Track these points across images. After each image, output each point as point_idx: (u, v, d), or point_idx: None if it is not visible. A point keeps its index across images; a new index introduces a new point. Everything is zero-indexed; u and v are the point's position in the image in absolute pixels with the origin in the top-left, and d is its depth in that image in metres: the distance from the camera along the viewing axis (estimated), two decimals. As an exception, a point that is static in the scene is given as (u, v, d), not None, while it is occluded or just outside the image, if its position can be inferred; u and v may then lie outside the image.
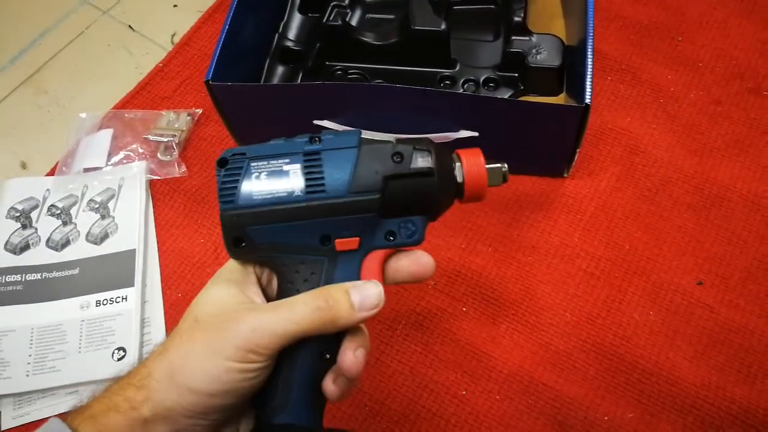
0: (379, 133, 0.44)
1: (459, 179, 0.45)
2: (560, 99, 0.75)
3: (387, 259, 0.44)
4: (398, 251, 0.45)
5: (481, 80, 0.77)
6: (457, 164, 0.45)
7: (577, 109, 0.64)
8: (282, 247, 0.42)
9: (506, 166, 0.46)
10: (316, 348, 0.41)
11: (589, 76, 0.64)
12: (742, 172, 0.73)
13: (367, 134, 0.43)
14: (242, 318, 0.38)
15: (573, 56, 0.73)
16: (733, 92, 0.79)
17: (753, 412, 0.59)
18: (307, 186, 0.41)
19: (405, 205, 0.43)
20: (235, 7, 0.71)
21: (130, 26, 0.92)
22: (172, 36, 0.90)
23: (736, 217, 0.70)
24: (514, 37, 0.76)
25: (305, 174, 0.41)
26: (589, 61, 0.65)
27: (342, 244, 0.42)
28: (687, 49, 0.83)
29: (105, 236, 0.72)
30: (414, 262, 0.45)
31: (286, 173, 0.41)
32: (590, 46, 0.66)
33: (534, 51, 0.75)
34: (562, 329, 0.65)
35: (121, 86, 0.85)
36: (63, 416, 0.39)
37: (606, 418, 0.60)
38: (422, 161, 0.43)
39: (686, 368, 0.62)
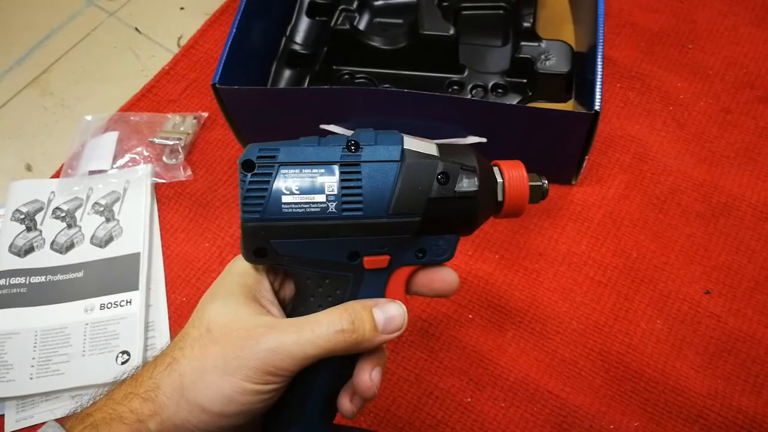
0: (419, 139, 0.41)
1: (500, 198, 0.42)
2: (569, 105, 0.74)
3: (412, 274, 0.42)
4: (425, 267, 0.42)
5: (490, 86, 0.77)
6: (500, 181, 0.42)
7: (586, 116, 0.64)
8: (307, 261, 0.39)
9: (547, 182, 0.43)
10: (335, 367, 0.40)
11: (599, 83, 0.64)
12: (751, 181, 0.72)
13: (407, 139, 0.40)
14: (262, 337, 0.36)
15: (582, 63, 0.72)
16: (743, 101, 0.78)
17: (759, 422, 0.59)
18: (343, 203, 0.37)
19: (444, 226, 0.40)
20: (243, 10, 0.71)
21: (136, 29, 0.91)
22: (179, 39, 0.90)
23: (744, 226, 0.70)
24: (523, 43, 0.75)
25: (342, 189, 0.37)
26: (599, 68, 0.65)
27: (371, 262, 0.40)
28: (697, 56, 0.82)
29: (110, 239, 0.72)
30: (440, 278, 0.43)
31: (321, 187, 0.37)
32: (600, 53, 0.66)
33: (543, 57, 0.75)
34: (569, 337, 0.64)
35: (127, 89, 0.84)
36: (62, 421, 0.37)
37: (611, 426, 0.60)
38: (468, 183, 0.39)
39: (693, 377, 0.62)
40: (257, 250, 0.39)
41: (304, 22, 0.82)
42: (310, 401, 0.40)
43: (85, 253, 0.71)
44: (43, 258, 0.71)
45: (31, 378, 0.64)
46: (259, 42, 0.77)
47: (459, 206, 0.40)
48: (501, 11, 0.77)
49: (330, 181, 0.38)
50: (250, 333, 0.36)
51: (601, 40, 0.67)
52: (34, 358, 0.65)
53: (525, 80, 0.76)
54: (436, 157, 0.39)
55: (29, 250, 0.72)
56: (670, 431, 0.59)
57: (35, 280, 0.70)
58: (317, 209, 0.37)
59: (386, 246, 0.40)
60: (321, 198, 0.37)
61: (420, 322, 0.66)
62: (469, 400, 0.62)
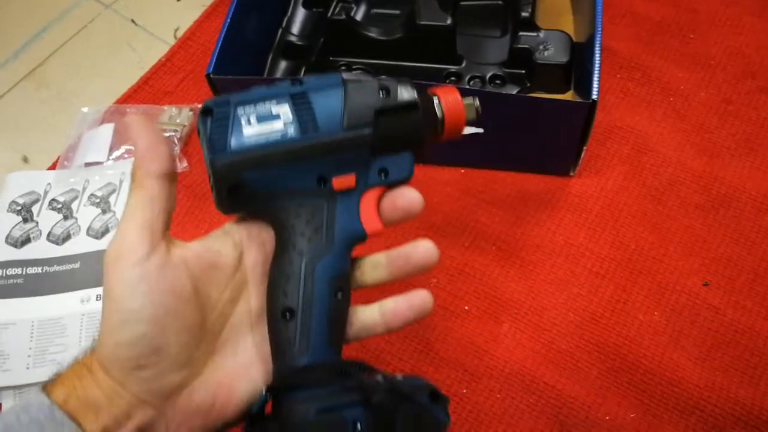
0: (358, 73, 0.44)
1: (438, 114, 0.45)
2: (568, 96, 0.74)
3: (381, 200, 0.45)
4: (389, 191, 0.45)
5: (488, 77, 0.76)
6: (435, 99, 0.45)
7: (583, 105, 0.63)
8: (279, 193, 0.42)
9: (477, 99, 0.47)
10: (330, 287, 0.42)
11: (596, 72, 0.63)
12: (751, 173, 0.72)
13: (345, 74, 0.43)
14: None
15: (581, 53, 0.72)
16: (745, 91, 0.78)
17: (757, 413, 0.58)
18: (300, 125, 0.41)
19: (394, 141, 0.43)
20: (239, 1, 0.71)
21: (133, 20, 0.91)
22: (175, 30, 0.89)
23: (744, 218, 0.69)
24: (521, 33, 0.75)
25: (296, 114, 0.41)
26: (597, 57, 0.64)
27: (339, 182, 0.42)
28: (698, 47, 0.81)
29: (106, 231, 0.72)
30: (401, 196, 0.44)
31: (277, 115, 0.41)
32: (598, 42, 0.65)
33: (541, 47, 0.74)
34: (565, 329, 0.64)
35: (123, 81, 0.84)
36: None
37: (608, 417, 0.59)
38: (407, 93, 0.43)
39: (690, 369, 0.61)
40: (231, 190, 0.41)
41: (301, 13, 0.82)
42: (315, 332, 0.41)
43: (81, 244, 0.71)
44: (40, 249, 0.71)
45: (27, 368, 0.64)
46: (255, 33, 0.77)
47: (404, 119, 0.43)
48: (500, 1, 0.77)
49: (284, 110, 0.41)
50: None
51: (600, 30, 0.66)
52: (30, 348, 0.65)
53: (523, 71, 0.76)
54: (375, 78, 0.43)
55: (26, 241, 0.72)
56: (667, 422, 0.59)
57: (32, 270, 0.70)
58: (278, 135, 0.40)
59: (349, 165, 0.42)
60: (279, 125, 0.40)
61: (415, 313, 0.66)
62: (465, 391, 0.62)
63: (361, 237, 0.43)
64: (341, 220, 0.43)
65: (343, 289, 0.43)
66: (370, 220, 0.44)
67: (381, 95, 0.42)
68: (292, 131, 0.40)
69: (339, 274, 0.42)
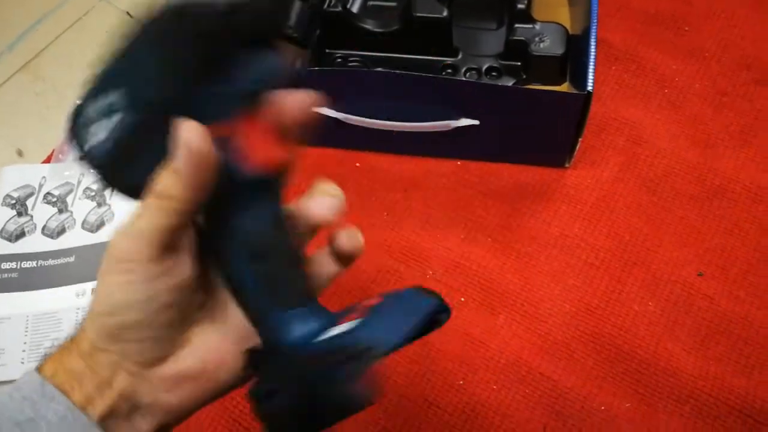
0: None
1: None
2: (563, 88, 0.74)
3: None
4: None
5: (484, 69, 0.76)
6: None
7: (579, 96, 0.63)
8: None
9: None
10: (243, 253, 0.36)
11: (591, 64, 0.64)
12: (745, 164, 0.72)
13: None
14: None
15: (577, 45, 0.72)
16: (739, 83, 0.78)
17: (750, 402, 0.59)
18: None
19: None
20: (234, -8, 0.71)
21: (127, 13, 0.91)
22: (172, 23, 0.89)
23: (738, 209, 0.69)
24: (517, 25, 0.75)
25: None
26: (592, 49, 0.64)
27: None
28: (693, 39, 0.82)
29: (101, 224, 0.72)
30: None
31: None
32: (593, 34, 0.65)
33: (537, 39, 0.74)
34: (561, 319, 0.64)
35: (119, 73, 0.84)
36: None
37: (603, 407, 0.60)
38: None
39: (684, 359, 0.61)
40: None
41: (296, 5, 0.81)
42: (261, 303, 0.37)
43: (76, 238, 0.71)
44: (35, 243, 0.71)
45: (22, 362, 0.64)
46: (251, 25, 0.77)
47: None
48: (495, -7, 0.77)
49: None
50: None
51: (595, 22, 0.66)
52: (25, 343, 0.65)
53: (519, 63, 0.76)
54: None
55: (20, 235, 0.72)
56: (662, 412, 0.59)
57: (26, 265, 0.70)
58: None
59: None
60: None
61: (412, 304, 0.66)
62: (461, 382, 0.62)
63: (251, 178, 0.35)
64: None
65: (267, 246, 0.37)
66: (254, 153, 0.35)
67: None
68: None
69: (251, 233, 0.36)
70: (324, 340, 0.35)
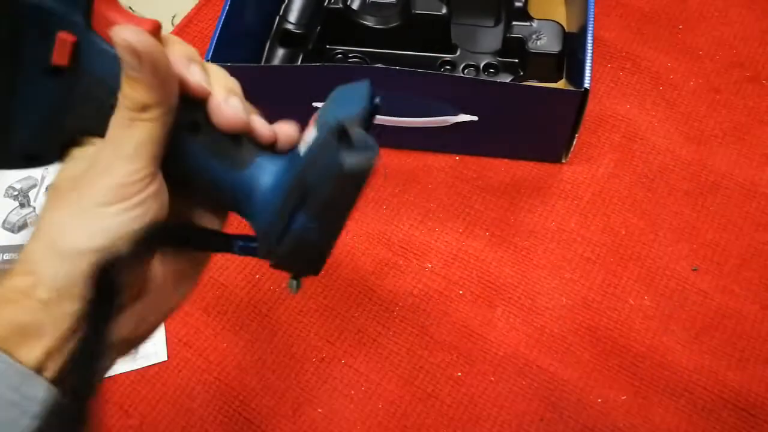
0: None
1: None
2: (560, 85, 0.75)
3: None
4: None
5: (481, 66, 0.77)
6: None
7: (575, 93, 0.64)
8: None
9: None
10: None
11: (588, 61, 0.64)
12: (739, 160, 0.73)
13: None
14: (97, 164, 0.33)
15: (573, 43, 0.73)
16: (733, 81, 0.79)
17: (745, 395, 0.60)
18: None
19: None
20: (236, -12, 0.71)
21: (130, 7, 0.91)
22: (173, 18, 0.90)
23: (732, 204, 0.70)
24: (514, 23, 0.76)
25: None
26: (589, 47, 0.65)
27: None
28: (687, 37, 0.83)
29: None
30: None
31: None
32: (590, 32, 0.66)
33: (534, 37, 0.75)
34: (558, 313, 0.65)
35: (120, 67, 0.84)
36: None
37: (599, 400, 0.61)
38: None
39: (679, 352, 0.62)
40: None
41: (298, 1, 0.82)
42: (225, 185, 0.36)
43: (78, 229, 0.72)
44: None
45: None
46: (253, 21, 0.77)
47: None
48: (493, -9, 0.78)
49: None
50: (86, 171, 0.33)
51: (592, 20, 0.67)
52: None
53: (516, 60, 0.77)
54: None
55: (23, 226, 0.72)
56: (657, 405, 0.60)
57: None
58: None
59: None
60: None
61: (411, 297, 0.67)
62: (459, 374, 0.63)
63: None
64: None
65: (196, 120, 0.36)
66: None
67: None
68: None
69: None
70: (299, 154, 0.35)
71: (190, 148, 0.35)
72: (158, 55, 0.31)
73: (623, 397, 0.61)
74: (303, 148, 0.35)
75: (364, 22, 0.77)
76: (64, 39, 0.32)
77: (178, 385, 0.63)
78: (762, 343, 0.63)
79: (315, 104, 0.70)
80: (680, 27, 0.83)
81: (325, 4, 0.79)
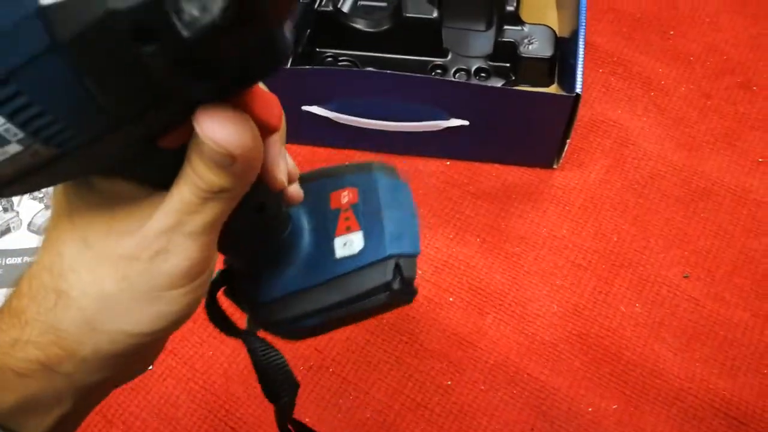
0: None
1: None
2: (552, 90, 0.74)
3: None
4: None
5: (473, 70, 0.77)
6: None
7: (567, 98, 0.64)
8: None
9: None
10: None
11: (580, 66, 0.64)
12: (730, 166, 0.73)
13: None
14: (145, 230, 0.27)
15: (565, 47, 0.73)
16: (723, 86, 0.79)
17: (736, 404, 0.60)
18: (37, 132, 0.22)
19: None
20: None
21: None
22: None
23: (723, 211, 0.70)
24: (506, 27, 0.75)
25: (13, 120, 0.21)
26: (581, 51, 0.65)
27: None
28: (678, 43, 0.83)
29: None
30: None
31: None
32: (582, 37, 0.66)
33: (526, 41, 0.74)
34: (549, 320, 0.65)
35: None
36: None
37: (590, 408, 0.60)
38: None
39: (671, 360, 0.62)
40: None
41: (287, 4, 0.81)
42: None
43: (62, 234, 0.71)
44: (20, 239, 0.70)
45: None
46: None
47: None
48: (485, -5, 0.77)
49: None
50: (142, 239, 0.27)
51: (583, 25, 0.67)
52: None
53: (508, 64, 0.76)
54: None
55: (5, 231, 0.71)
56: (648, 413, 0.60)
57: (11, 261, 0.69)
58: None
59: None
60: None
61: (401, 304, 0.66)
62: (449, 382, 0.62)
63: None
64: None
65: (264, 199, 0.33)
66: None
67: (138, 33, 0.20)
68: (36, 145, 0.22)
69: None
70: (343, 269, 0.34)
71: (246, 223, 0.32)
72: (256, 156, 0.26)
73: (614, 406, 0.60)
74: (342, 250, 0.34)
75: (355, 26, 0.76)
76: None
77: (163, 393, 0.62)
78: (753, 350, 0.62)
79: (305, 108, 0.70)
80: (671, 32, 0.83)
81: (316, 6, 0.78)
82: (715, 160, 0.74)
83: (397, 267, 0.33)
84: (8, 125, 0.21)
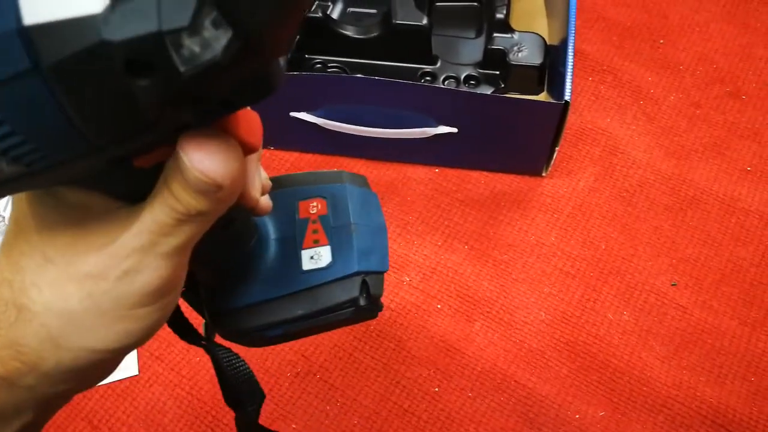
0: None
1: None
2: (541, 98, 0.74)
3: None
4: None
5: (462, 77, 0.77)
6: None
7: (556, 106, 0.64)
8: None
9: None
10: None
11: (569, 74, 0.64)
12: (719, 175, 0.73)
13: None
14: (112, 245, 0.26)
15: (554, 55, 0.73)
16: (713, 96, 0.79)
17: (723, 411, 0.60)
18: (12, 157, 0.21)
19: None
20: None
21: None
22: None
23: (711, 219, 0.70)
24: (496, 34, 0.75)
25: None
26: (570, 59, 0.65)
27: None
28: (668, 51, 0.83)
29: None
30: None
31: None
32: (571, 45, 0.66)
33: (516, 49, 0.75)
34: (536, 327, 0.65)
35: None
36: None
37: (577, 416, 0.60)
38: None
39: (658, 368, 0.62)
40: None
41: (277, 10, 0.81)
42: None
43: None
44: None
45: None
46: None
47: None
48: (475, 2, 0.77)
49: None
50: (110, 255, 0.26)
51: (573, 32, 0.67)
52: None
53: (498, 72, 0.76)
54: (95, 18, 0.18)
55: (-8, 236, 0.71)
56: (635, 421, 0.60)
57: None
58: None
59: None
60: None
61: (388, 311, 0.66)
62: (437, 389, 0.62)
63: None
64: None
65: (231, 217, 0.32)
66: None
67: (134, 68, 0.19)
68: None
69: None
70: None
71: (213, 237, 0.31)
72: (241, 183, 0.26)
73: (601, 413, 0.60)
74: (309, 263, 0.34)
75: (344, 32, 0.76)
76: None
77: (149, 399, 0.62)
78: (740, 359, 0.62)
79: (293, 114, 0.70)
80: (661, 41, 0.84)
81: (305, 13, 0.78)
82: (703, 169, 0.74)
83: (364, 284, 0.33)
84: None
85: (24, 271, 0.27)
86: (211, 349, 0.37)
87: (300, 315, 0.34)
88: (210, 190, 0.24)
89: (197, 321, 0.38)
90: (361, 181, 0.38)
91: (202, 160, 0.23)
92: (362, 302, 0.33)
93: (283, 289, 0.34)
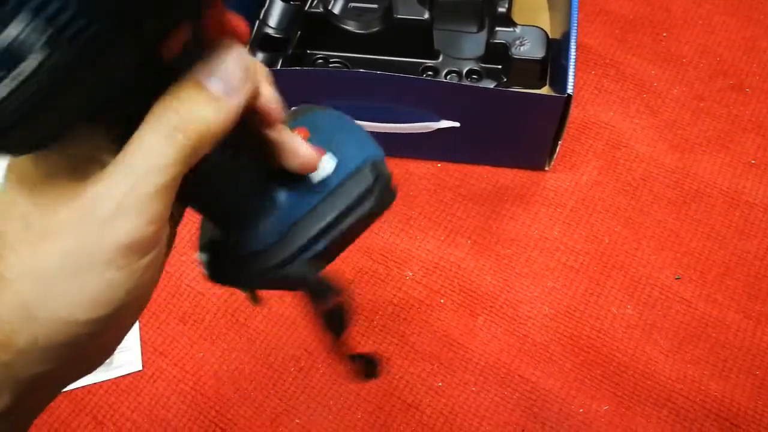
0: None
1: None
2: (544, 92, 0.74)
3: None
4: None
5: (464, 72, 0.77)
6: None
7: (559, 99, 0.64)
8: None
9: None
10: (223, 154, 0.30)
11: (571, 67, 0.64)
12: (722, 168, 0.73)
13: None
14: (94, 204, 0.25)
15: (557, 49, 0.72)
16: (716, 89, 0.79)
17: (727, 405, 0.59)
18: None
19: None
20: (215, -9, 0.70)
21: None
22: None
23: (715, 213, 0.70)
24: (497, 28, 0.75)
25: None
26: (572, 53, 0.65)
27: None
28: (671, 45, 0.83)
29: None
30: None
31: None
32: (573, 38, 0.66)
33: (518, 42, 0.74)
34: (540, 322, 0.65)
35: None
36: None
37: (581, 410, 0.60)
38: None
39: (662, 362, 0.62)
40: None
41: (278, 6, 0.81)
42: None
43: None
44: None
45: None
46: (232, 25, 0.76)
47: None
48: (476, -3, 0.77)
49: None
50: (80, 206, 0.25)
51: (575, 26, 0.67)
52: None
53: (500, 66, 0.76)
54: None
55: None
56: (639, 415, 0.60)
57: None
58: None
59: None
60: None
61: (391, 306, 0.66)
62: (440, 384, 0.62)
63: None
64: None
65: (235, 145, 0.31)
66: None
67: None
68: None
69: None
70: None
71: (225, 174, 0.31)
72: (250, 84, 0.27)
73: (605, 407, 0.60)
74: (317, 174, 0.34)
75: (346, 27, 0.76)
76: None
77: (153, 395, 0.62)
78: (745, 352, 0.62)
79: (293, 109, 0.69)
80: (664, 35, 0.83)
81: (306, 8, 0.78)
82: (707, 162, 0.73)
83: (374, 168, 0.35)
84: (36, 22, 0.20)
85: (5, 236, 0.26)
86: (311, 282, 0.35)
87: (333, 218, 0.34)
88: (235, 85, 0.26)
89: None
90: (331, 108, 0.39)
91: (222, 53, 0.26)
92: (379, 184, 0.35)
93: (307, 205, 0.34)
